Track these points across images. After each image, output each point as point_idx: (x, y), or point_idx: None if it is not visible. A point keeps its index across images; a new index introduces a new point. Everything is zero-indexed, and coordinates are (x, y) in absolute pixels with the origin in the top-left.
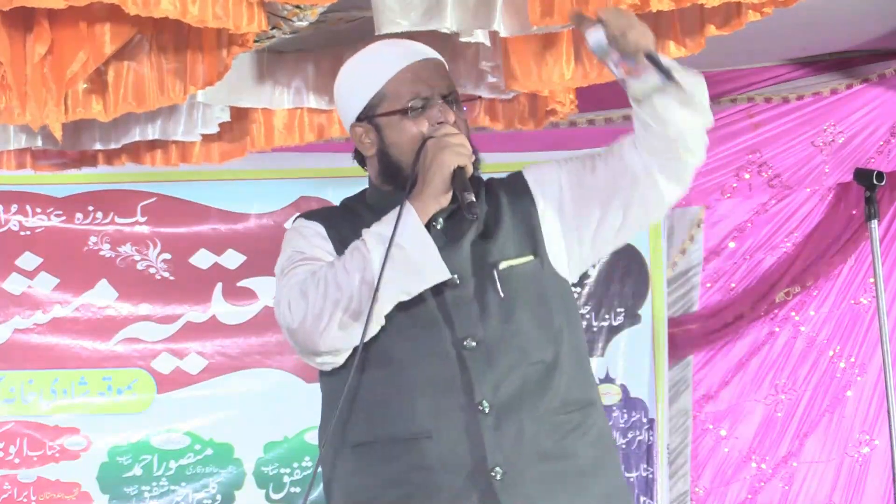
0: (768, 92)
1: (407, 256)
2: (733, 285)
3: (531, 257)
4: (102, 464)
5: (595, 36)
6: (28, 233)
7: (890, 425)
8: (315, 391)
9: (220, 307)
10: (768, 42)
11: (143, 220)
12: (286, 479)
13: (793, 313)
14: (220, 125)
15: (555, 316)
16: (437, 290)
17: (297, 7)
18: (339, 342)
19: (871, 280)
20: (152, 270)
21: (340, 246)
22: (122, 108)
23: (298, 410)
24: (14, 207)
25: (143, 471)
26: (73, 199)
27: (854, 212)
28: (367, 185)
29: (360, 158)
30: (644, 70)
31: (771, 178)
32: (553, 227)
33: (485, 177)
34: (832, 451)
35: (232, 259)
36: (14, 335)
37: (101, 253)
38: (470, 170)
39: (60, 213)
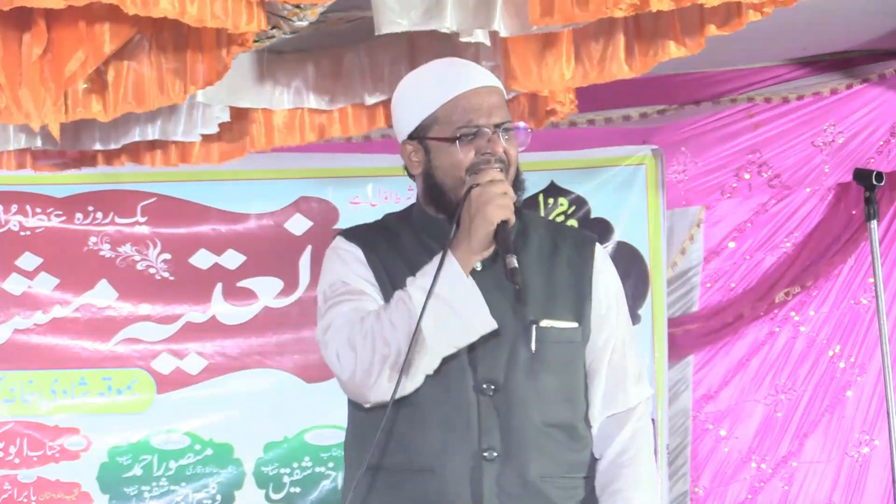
0: (768, 92)
1: (454, 311)
2: (733, 285)
3: (575, 324)
4: (102, 464)
5: None
6: (28, 233)
7: (890, 425)
8: (314, 391)
9: (220, 307)
10: (768, 42)
11: (143, 220)
12: (286, 479)
13: (792, 313)
14: (220, 125)
15: (578, 383)
16: None
17: (297, 7)
18: (388, 394)
19: (871, 280)
20: (152, 270)
21: (382, 272)
22: (122, 108)
23: (298, 410)
24: (14, 207)
25: (143, 471)
26: (73, 199)
27: (854, 212)
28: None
29: (410, 174)
30: None
31: (771, 178)
32: (595, 310)
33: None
34: (832, 451)
35: (232, 259)
36: (14, 335)
37: (101, 253)
38: (513, 222)
39: (60, 213)
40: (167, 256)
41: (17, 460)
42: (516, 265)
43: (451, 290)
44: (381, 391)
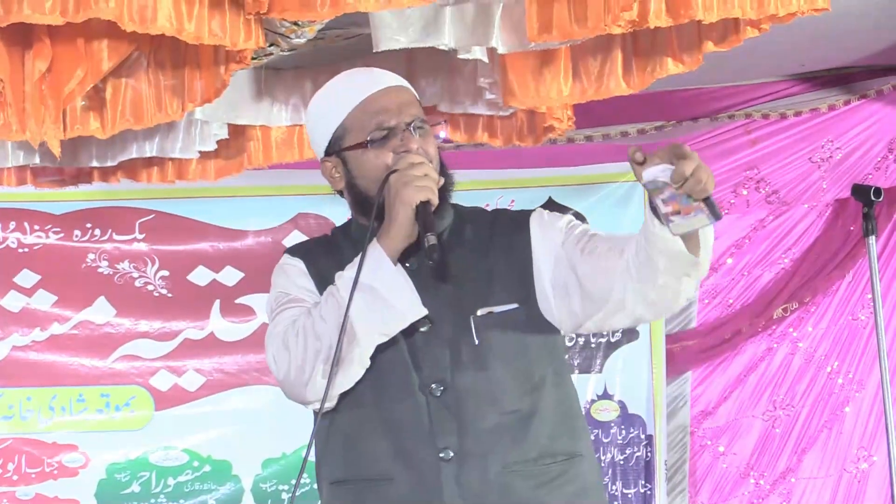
0: (766, 108)
1: (380, 297)
2: (731, 301)
3: (515, 305)
4: (100, 480)
5: (654, 172)
6: (26, 250)
7: (888, 441)
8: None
9: (218, 324)
10: (766, 58)
11: (141, 237)
12: (284, 496)
13: (791, 329)
14: (218, 142)
15: (535, 367)
16: (409, 332)
17: (295, 24)
18: (322, 392)
19: (869, 296)
20: (150, 287)
21: (320, 282)
22: (119, 125)
23: (296, 427)
24: (12, 224)
25: (141, 488)
26: (71, 216)
27: (852, 227)
28: None
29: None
30: (696, 210)
31: (769, 194)
32: (545, 278)
33: (483, 194)
34: (830, 467)
35: (230, 276)
36: (12, 352)
37: (100, 270)
38: (435, 202)
39: (58, 230)
40: (165, 273)
41: (15, 477)
42: (434, 242)
43: (375, 276)
44: (316, 388)
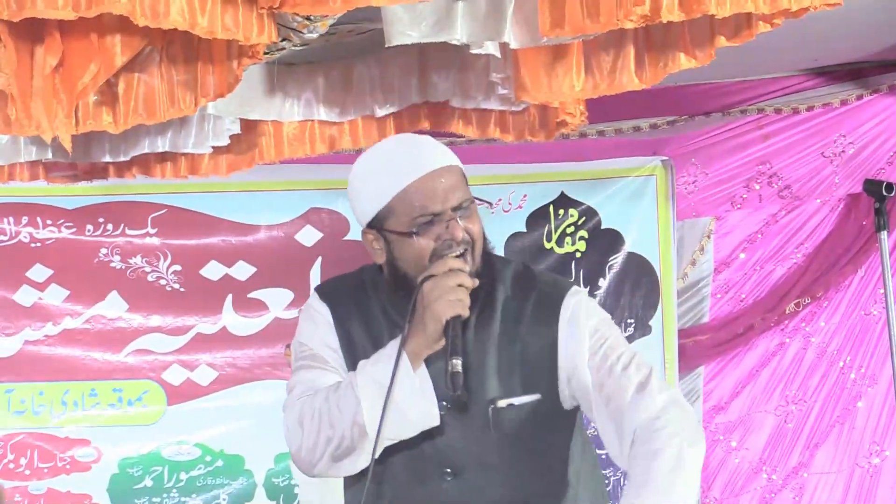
0: (778, 103)
1: (397, 407)
2: (743, 296)
3: (536, 396)
4: (113, 475)
5: None
6: (38, 245)
7: None
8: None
9: (230, 319)
10: (778, 53)
11: (153, 231)
12: (297, 491)
13: (803, 324)
14: (230, 137)
15: (550, 452)
16: None
17: (308, 19)
18: (330, 472)
19: (882, 291)
20: (163, 282)
21: (343, 336)
22: (132, 119)
23: None
24: (24, 219)
25: (153, 482)
26: (83, 210)
27: (864, 222)
28: None
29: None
30: None
31: (781, 189)
32: (566, 371)
33: (495, 189)
34: (843, 462)
35: (242, 270)
36: (25, 347)
37: (112, 265)
38: (465, 315)
39: (71, 224)
40: (177, 268)
41: (27, 472)
42: (459, 370)
43: (397, 385)
44: (323, 468)
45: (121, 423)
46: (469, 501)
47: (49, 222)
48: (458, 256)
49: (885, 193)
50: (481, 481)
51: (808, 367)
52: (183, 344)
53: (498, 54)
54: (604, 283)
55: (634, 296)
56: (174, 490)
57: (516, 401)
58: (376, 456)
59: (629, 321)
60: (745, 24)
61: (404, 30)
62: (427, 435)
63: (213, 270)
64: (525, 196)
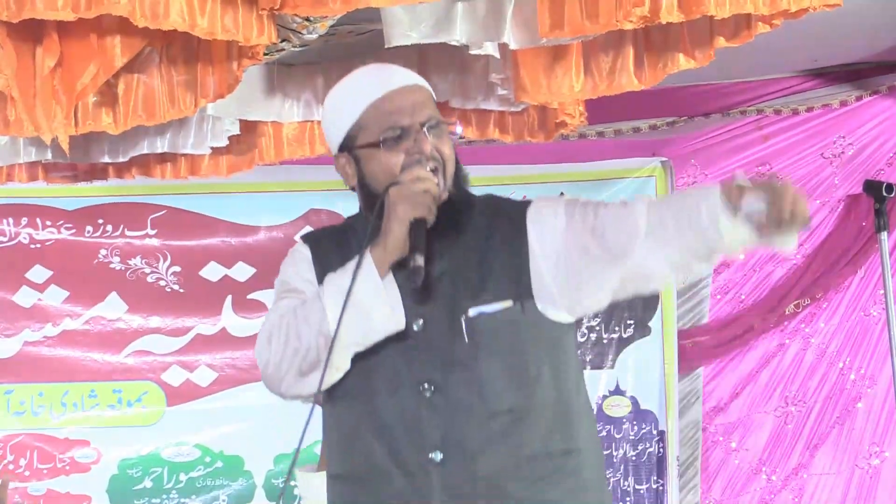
0: (778, 104)
1: (361, 310)
2: (743, 297)
3: (509, 303)
4: (112, 476)
5: (759, 204)
6: (38, 246)
7: None
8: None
9: (230, 320)
10: (778, 54)
11: (152, 232)
12: (296, 492)
13: (802, 325)
14: (229, 138)
15: (530, 361)
16: (402, 332)
17: (307, 20)
18: (299, 389)
19: (881, 291)
20: (162, 283)
21: (322, 273)
22: (132, 120)
23: (309, 424)
24: (24, 220)
25: (153, 483)
26: (82, 212)
27: (864, 223)
28: None
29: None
30: (777, 233)
31: None
32: (545, 272)
33: (495, 190)
34: (842, 463)
35: (242, 272)
36: (24, 348)
37: (111, 266)
38: (431, 220)
39: (70, 226)
40: (177, 269)
41: (27, 472)
42: (420, 265)
43: (360, 288)
44: (290, 384)
45: (120, 424)
46: (449, 414)
47: (49, 223)
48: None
49: (884, 194)
50: (460, 393)
51: (807, 368)
52: (182, 345)
53: (497, 55)
54: None
55: (634, 297)
56: (174, 491)
57: (487, 308)
58: (347, 366)
59: (629, 322)
60: (745, 25)
61: (404, 31)
62: (403, 349)
63: (212, 271)
64: (524, 197)
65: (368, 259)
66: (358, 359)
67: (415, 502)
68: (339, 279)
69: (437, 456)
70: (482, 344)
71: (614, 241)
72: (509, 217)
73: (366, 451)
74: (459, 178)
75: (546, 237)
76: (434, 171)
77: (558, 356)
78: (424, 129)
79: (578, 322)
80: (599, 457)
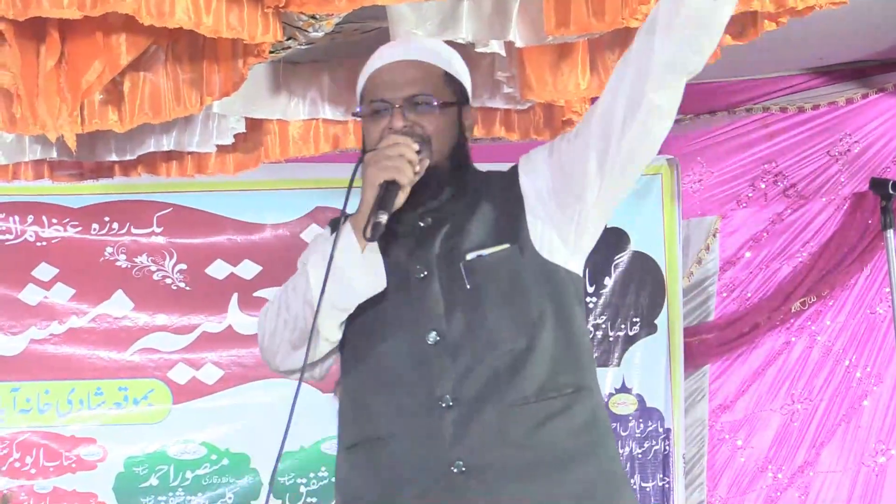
0: (784, 101)
1: (342, 276)
2: (749, 295)
3: (506, 245)
4: (119, 474)
5: None
6: (44, 243)
7: None
8: (330, 401)
9: (236, 317)
10: (784, 52)
11: (159, 230)
12: (303, 489)
13: (809, 323)
14: (235, 136)
15: (532, 303)
16: (403, 286)
17: (313, 18)
18: (292, 362)
19: (887, 289)
20: (168, 281)
21: None
22: (138, 118)
23: (314, 420)
24: (30, 218)
25: (159, 481)
26: (88, 209)
27: (870, 221)
28: None
29: None
30: None
31: (786, 188)
32: (539, 213)
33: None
34: (848, 461)
35: (248, 269)
36: (30, 346)
37: (118, 263)
38: (402, 182)
39: (76, 223)
40: (183, 267)
41: (33, 470)
42: (381, 220)
43: (339, 255)
44: (283, 359)
45: (126, 421)
46: (455, 360)
47: (54, 221)
48: (417, 152)
49: (890, 192)
50: (465, 338)
51: (813, 365)
52: (189, 343)
53: (503, 53)
54: (609, 282)
55: (640, 294)
56: (180, 489)
57: (484, 252)
58: (335, 335)
59: (635, 319)
60: (751, 23)
61: (410, 29)
62: (407, 301)
63: (218, 269)
64: None
65: (347, 226)
66: (360, 320)
67: (427, 454)
68: (323, 247)
69: (448, 402)
70: (482, 287)
71: (582, 132)
72: (505, 173)
73: (377, 411)
74: (456, 151)
75: (537, 176)
76: (420, 149)
77: (561, 297)
78: (406, 104)
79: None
80: (598, 395)
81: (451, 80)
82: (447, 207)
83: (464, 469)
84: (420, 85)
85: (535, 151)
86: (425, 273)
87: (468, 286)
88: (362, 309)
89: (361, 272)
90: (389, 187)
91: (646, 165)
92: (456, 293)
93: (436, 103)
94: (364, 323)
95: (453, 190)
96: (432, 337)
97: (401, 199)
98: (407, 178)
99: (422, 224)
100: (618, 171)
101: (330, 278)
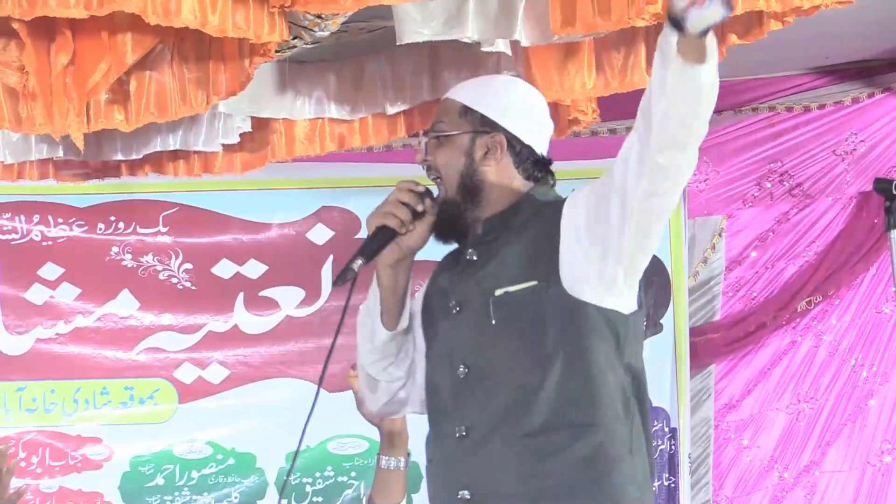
0: (790, 101)
1: (365, 320)
2: (755, 294)
3: (534, 282)
4: (124, 473)
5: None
6: (50, 243)
7: None
8: (336, 401)
9: (241, 317)
10: (790, 51)
11: (164, 230)
12: (308, 489)
13: (814, 322)
14: (241, 135)
15: (549, 339)
16: (446, 317)
17: (319, 17)
18: (368, 405)
19: (893, 289)
20: (174, 280)
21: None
22: (143, 118)
23: (320, 420)
24: (36, 218)
25: (165, 480)
26: (94, 209)
27: (876, 221)
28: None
29: None
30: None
31: (792, 188)
32: (573, 249)
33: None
34: (854, 461)
35: (254, 269)
36: (36, 345)
37: (123, 263)
38: (391, 225)
39: (82, 223)
40: (189, 266)
41: (39, 470)
42: (353, 268)
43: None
44: (366, 402)
45: (132, 421)
46: (475, 392)
47: (60, 221)
48: (420, 185)
49: (894, 192)
50: (485, 371)
51: (819, 365)
52: (194, 342)
53: (509, 52)
54: None
55: (646, 294)
56: (185, 488)
57: (511, 289)
58: (378, 375)
59: None
60: (756, 22)
61: (416, 28)
62: (445, 333)
63: (224, 269)
64: None
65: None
66: (427, 348)
67: (447, 481)
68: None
69: (462, 432)
70: (505, 323)
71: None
72: (556, 204)
73: (431, 433)
74: (465, 181)
75: (576, 210)
76: (437, 180)
77: (581, 336)
78: (426, 139)
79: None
80: (627, 435)
81: (467, 111)
82: (492, 241)
83: (468, 497)
84: (439, 118)
85: (581, 187)
86: (459, 308)
87: (493, 321)
88: (428, 337)
89: (374, 314)
90: (379, 233)
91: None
92: (483, 328)
93: (441, 136)
94: (429, 353)
95: (487, 225)
96: (461, 370)
97: (416, 236)
98: (397, 220)
99: (468, 257)
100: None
101: (360, 324)
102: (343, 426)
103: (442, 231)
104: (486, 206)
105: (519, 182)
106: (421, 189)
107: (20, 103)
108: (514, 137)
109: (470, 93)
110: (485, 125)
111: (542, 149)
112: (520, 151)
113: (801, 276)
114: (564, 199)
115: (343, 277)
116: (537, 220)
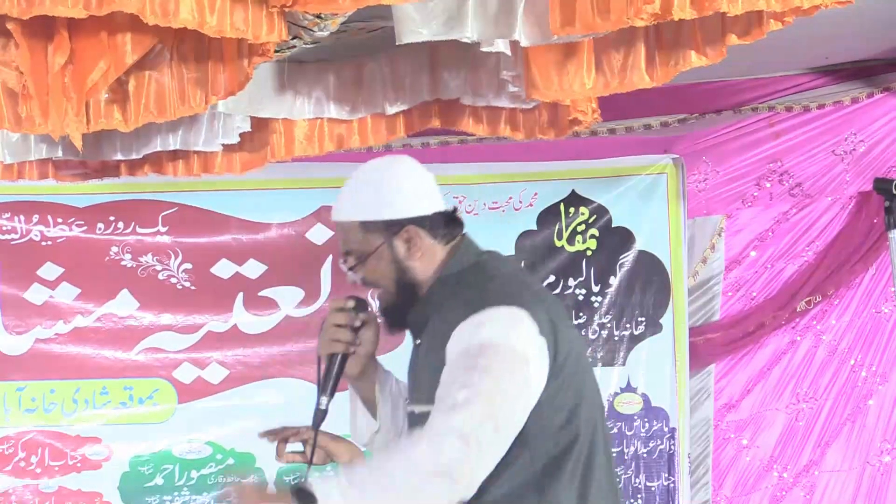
0: (789, 101)
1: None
2: (754, 294)
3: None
4: (124, 473)
5: None
6: (49, 243)
7: None
8: (335, 401)
9: (241, 317)
10: (789, 51)
11: (164, 229)
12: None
13: (814, 322)
14: (241, 135)
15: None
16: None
17: (318, 17)
18: None
19: (893, 289)
20: (173, 280)
21: None
22: (143, 118)
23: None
24: (35, 217)
25: (164, 480)
26: (94, 209)
27: (875, 220)
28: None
29: None
30: None
31: (792, 187)
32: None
33: (506, 187)
34: (853, 460)
35: (253, 269)
36: (35, 345)
37: (123, 263)
38: (337, 350)
39: (82, 223)
40: (188, 266)
41: (38, 470)
42: (322, 408)
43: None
44: None
45: (132, 421)
46: None
47: (60, 220)
48: (350, 299)
49: (894, 192)
50: None
51: (819, 365)
52: (194, 342)
53: (508, 52)
54: (615, 282)
55: (645, 294)
56: (185, 488)
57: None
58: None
59: (640, 319)
60: (756, 22)
61: (415, 28)
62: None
63: (223, 268)
64: (536, 194)
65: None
66: None
67: None
68: None
69: None
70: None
71: None
72: (456, 317)
73: None
74: (401, 285)
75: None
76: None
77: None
78: (346, 268)
79: (590, 320)
80: None
81: (366, 226)
82: (423, 324)
83: None
84: (344, 249)
85: (460, 337)
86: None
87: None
88: None
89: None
90: (331, 362)
91: None
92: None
93: (358, 259)
94: None
95: (417, 311)
96: None
97: (368, 343)
98: (342, 344)
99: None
100: None
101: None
102: (342, 426)
103: (392, 329)
104: (424, 289)
105: (442, 252)
106: (352, 305)
107: (19, 103)
108: (420, 218)
109: (356, 208)
110: (391, 227)
111: (441, 206)
112: (432, 225)
113: (801, 275)
114: (464, 305)
115: (316, 421)
116: (446, 324)
